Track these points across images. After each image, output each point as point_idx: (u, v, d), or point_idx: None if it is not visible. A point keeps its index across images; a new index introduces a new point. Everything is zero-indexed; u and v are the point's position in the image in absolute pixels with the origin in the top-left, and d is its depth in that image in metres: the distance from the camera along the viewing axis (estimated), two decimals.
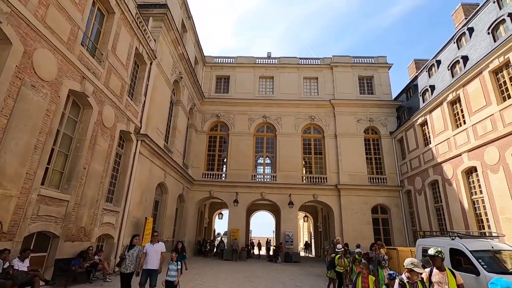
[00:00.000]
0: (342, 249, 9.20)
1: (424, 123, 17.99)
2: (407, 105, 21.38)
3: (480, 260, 5.82)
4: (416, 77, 21.88)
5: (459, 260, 6.34)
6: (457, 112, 15.15)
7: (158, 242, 6.77)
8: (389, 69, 23.91)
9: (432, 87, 18.06)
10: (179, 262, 6.36)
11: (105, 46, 9.71)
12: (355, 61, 24.24)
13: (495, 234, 7.36)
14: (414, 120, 18.75)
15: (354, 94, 23.12)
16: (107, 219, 10.02)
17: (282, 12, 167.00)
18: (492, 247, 6.28)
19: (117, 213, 10.73)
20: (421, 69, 21.24)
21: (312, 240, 30.35)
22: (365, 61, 24.29)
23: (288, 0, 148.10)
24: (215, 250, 20.57)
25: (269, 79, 24.53)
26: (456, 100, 15.16)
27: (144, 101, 12.87)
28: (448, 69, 16.32)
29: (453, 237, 6.86)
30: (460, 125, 14.76)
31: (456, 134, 14.81)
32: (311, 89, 24.10)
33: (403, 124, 20.23)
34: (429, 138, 17.38)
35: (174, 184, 17.19)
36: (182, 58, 17.62)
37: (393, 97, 23.46)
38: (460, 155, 14.38)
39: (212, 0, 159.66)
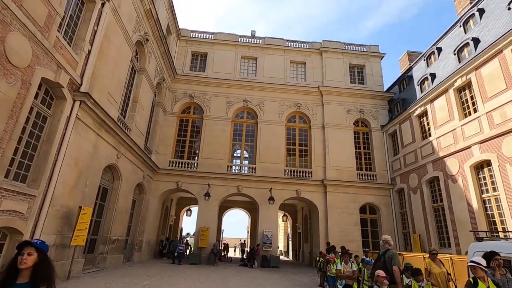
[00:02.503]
0: None
1: (423, 114, 16.19)
2: (401, 97, 19.66)
3: None
4: (410, 68, 20.29)
5: None
6: (466, 100, 13.39)
7: None
8: (381, 59, 22.18)
9: (433, 75, 16.34)
10: None
11: None
12: (346, 48, 22.24)
13: None
14: (411, 111, 16.93)
15: (344, 82, 21.05)
16: (10, 204, 6.69)
17: (262, 15, 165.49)
18: None
19: (31, 198, 7.40)
20: (418, 58, 19.66)
21: (290, 242, 27.98)
22: (357, 49, 22.37)
23: (267, 4, 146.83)
24: (179, 252, 16.76)
25: (252, 60, 21.80)
26: (466, 86, 13.39)
27: (90, 51, 9.58)
28: (454, 54, 14.60)
29: None
30: (470, 114, 12.98)
31: (464, 124, 13.01)
32: (298, 74, 21.71)
33: (397, 116, 18.41)
34: (429, 130, 15.59)
35: (131, 169, 13.87)
36: (149, 16, 14.37)
37: (385, 89, 21.74)
38: (469, 147, 12.56)
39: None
